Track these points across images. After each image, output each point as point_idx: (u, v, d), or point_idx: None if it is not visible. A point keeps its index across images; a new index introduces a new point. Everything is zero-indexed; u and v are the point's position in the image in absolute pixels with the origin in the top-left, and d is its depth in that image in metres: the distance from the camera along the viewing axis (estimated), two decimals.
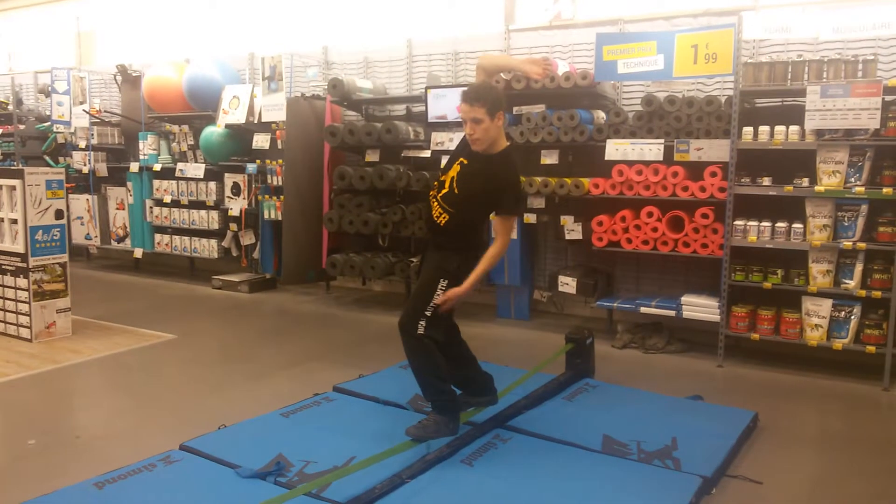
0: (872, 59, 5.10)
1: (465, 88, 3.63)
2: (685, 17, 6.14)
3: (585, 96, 6.30)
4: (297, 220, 7.41)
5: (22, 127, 10.20)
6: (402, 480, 3.35)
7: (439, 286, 3.57)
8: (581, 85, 6.03)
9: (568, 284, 6.33)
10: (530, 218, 6.49)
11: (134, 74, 9.06)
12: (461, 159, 3.66)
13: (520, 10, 7.11)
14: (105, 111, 9.47)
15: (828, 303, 5.09)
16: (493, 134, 3.57)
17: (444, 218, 3.63)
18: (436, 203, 3.66)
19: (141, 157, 8.95)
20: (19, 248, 5.95)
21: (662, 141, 5.75)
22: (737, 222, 5.36)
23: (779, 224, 5.25)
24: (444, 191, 3.65)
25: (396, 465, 3.45)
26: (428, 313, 3.56)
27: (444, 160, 3.98)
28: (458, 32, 7.31)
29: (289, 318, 7.13)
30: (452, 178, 3.64)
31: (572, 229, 6.29)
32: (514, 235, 6.53)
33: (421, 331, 3.55)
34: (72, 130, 9.36)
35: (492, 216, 3.65)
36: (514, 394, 4.33)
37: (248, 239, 8.30)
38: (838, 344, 5.05)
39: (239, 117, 7.93)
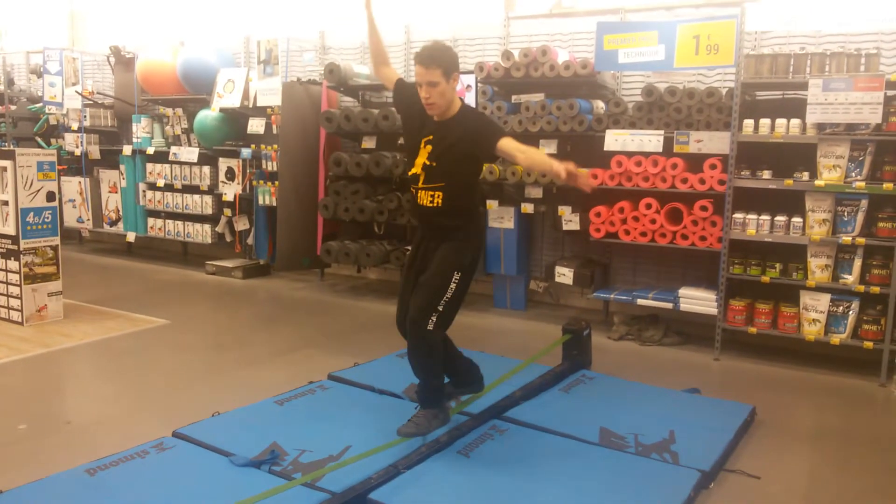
0: (875, 52, 5.07)
1: (418, 50, 3.48)
2: (687, 7, 6.09)
3: (585, 86, 6.25)
4: (292, 206, 7.34)
5: (13, 107, 10.06)
6: (398, 471, 3.32)
7: (453, 280, 3.46)
8: (581, 74, 5.98)
9: (564, 275, 6.30)
10: (527, 208, 6.45)
11: (128, 56, 8.94)
12: (425, 140, 3.52)
13: None
14: (98, 93, 9.36)
15: (826, 297, 5.07)
16: (449, 97, 3.44)
17: (438, 197, 3.48)
18: (422, 192, 3.52)
19: (134, 139, 8.85)
20: (10, 230, 5.88)
21: (662, 132, 5.71)
22: (736, 215, 5.33)
23: (778, 218, 5.23)
24: (421, 176, 3.52)
25: (393, 456, 3.42)
26: (440, 308, 3.45)
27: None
28: (457, 19, 7.23)
29: (283, 304, 7.08)
30: (425, 162, 3.50)
31: (570, 220, 6.26)
32: (511, 225, 6.51)
33: (431, 327, 3.44)
34: (64, 112, 9.25)
35: (500, 146, 3.35)
36: (511, 385, 4.31)
37: (242, 224, 8.24)
38: (836, 339, 5.04)
39: (234, 101, 7.85)
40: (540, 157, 3.40)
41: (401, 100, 3.79)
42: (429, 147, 3.50)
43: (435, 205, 3.51)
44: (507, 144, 3.35)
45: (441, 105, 3.45)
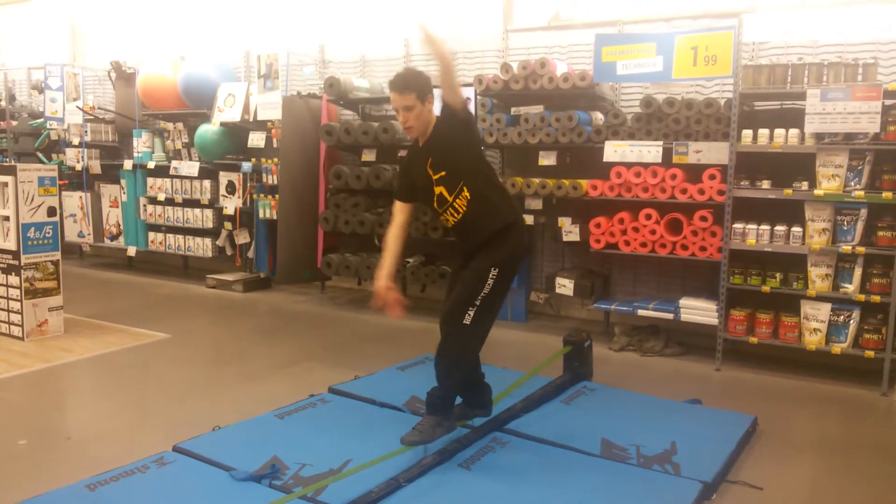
0: (873, 62, 5.09)
1: (392, 77, 3.60)
2: (685, 18, 6.12)
3: (584, 97, 6.28)
4: (293, 219, 7.35)
5: (14, 123, 10.11)
6: (399, 484, 3.31)
7: (490, 275, 3.45)
8: (579, 86, 6.00)
9: (565, 286, 6.30)
10: (527, 219, 6.44)
11: (128, 71, 8.99)
12: (428, 164, 3.58)
13: (518, 10, 7.08)
14: (99, 108, 9.40)
15: (826, 307, 5.07)
16: (425, 118, 3.56)
17: (465, 195, 3.50)
18: (457, 202, 3.53)
19: (135, 154, 8.88)
20: (11, 245, 5.89)
21: (661, 143, 5.72)
22: (735, 225, 5.33)
23: (778, 227, 5.23)
24: (444, 190, 3.55)
25: (393, 469, 3.41)
26: (478, 303, 3.45)
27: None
28: (456, 32, 7.26)
29: (283, 317, 7.08)
30: (440, 178, 3.54)
31: (570, 231, 6.26)
32: None
33: (467, 321, 3.44)
34: (65, 127, 9.28)
35: (440, 94, 3.55)
36: (512, 397, 4.30)
37: (242, 238, 8.25)
38: (837, 348, 5.03)
39: (234, 115, 7.88)
40: (441, 70, 3.49)
41: (404, 175, 3.83)
42: (430, 168, 3.58)
43: (466, 204, 3.52)
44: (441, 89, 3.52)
45: (418, 127, 3.57)
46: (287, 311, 7.32)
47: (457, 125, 3.54)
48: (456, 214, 3.57)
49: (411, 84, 3.51)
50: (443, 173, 3.53)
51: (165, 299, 7.78)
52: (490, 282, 3.46)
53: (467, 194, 3.52)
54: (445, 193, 3.56)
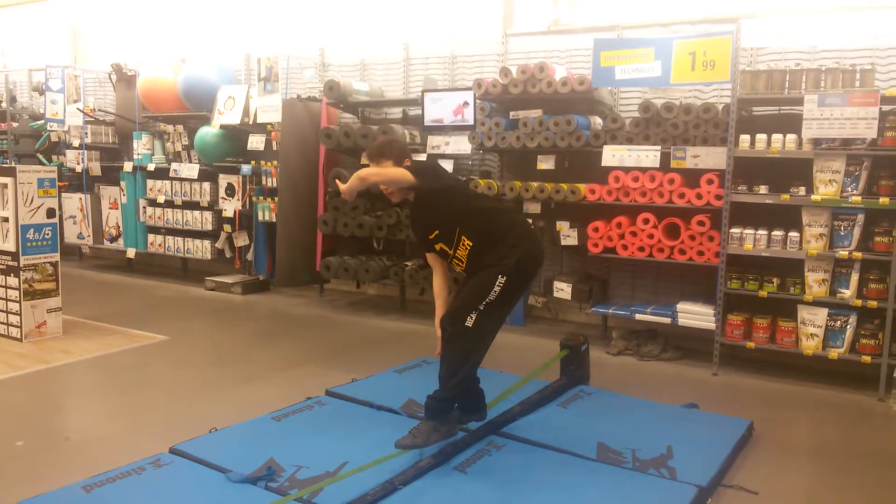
0: (870, 68, 5.10)
1: (367, 150, 3.78)
2: (683, 24, 6.14)
3: (582, 102, 6.29)
4: (292, 221, 7.37)
5: (15, 124, 10.13)
6: (394, 487, 3.32)
7: (497, 282, 3.46)
8: (578, 90, 6.01)
9: (563, 290, 6.31)
10: None
11: (129, 73, 9.01)
12: (422, 227, 3.81)
13: (518, 14, 7.10)
14: (99, 110, 9.41)
15: (823, 312, 5.08)
16: None
17: (465, 241, 3.61)
18: (459, 249, 3.64)
19: (135, 156, 8.90)
20: (10, 246, 5.90)
21: (659, 148, 5.74)
22: (733, 230, 5.34)
23: (775, 232, 5.24)
24: (442, 244, 3.71)
25: (389, 472, 3.42)
26: (482, 308, 3.47)
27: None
28: (456, 36, 7.29)
29: (282, 320, 7.09)
30: (436, 235, 3.71)
31: (568, 235, 6.27)
32: None
33: (469, 324, 3.46)
34: (65, 129, 9.30)
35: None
36: (509, 400, 4.30)
37: (241, 240, 8.26)
38: (834, 353, 5.03)
39: (234, 118, 7.89)
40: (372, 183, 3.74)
41: (414, 231, 4.15)
42: (428, 228, 3.76)
43: (468, 250, 3.62)
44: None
45: (399, 192, 3.71)
46: (285, 313, 7.33)
47: (424, 193, 3.66)
48: (461, 263, 3.69)
49: (386, 152, 3.70)
50: (436, 232, 3.70)
51: (164, 301, 7.79)
52: (497, 289, 3.47)
53: (468, 242, 3.60)
54: (446, 248, 3.71)
